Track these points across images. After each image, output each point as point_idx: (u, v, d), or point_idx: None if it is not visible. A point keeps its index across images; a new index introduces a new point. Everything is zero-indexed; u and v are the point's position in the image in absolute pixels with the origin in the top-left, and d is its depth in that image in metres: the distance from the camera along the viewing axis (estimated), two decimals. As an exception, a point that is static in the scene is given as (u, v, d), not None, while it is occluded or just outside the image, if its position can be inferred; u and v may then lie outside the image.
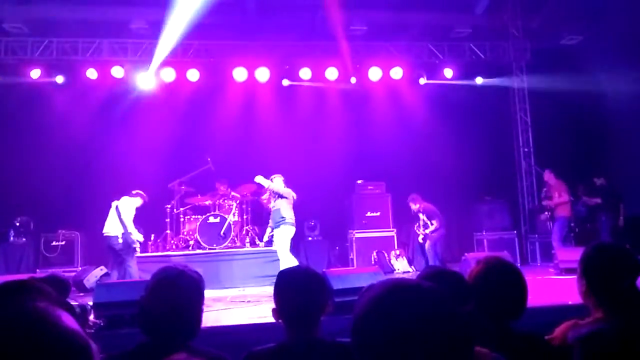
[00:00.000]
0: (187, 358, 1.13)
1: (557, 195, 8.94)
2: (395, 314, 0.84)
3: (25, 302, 0.79)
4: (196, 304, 1.87)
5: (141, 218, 8.12)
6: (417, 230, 8.91)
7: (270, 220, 7.73)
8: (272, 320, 2.00)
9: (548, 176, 9.22)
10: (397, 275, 9.01)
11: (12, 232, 9.38)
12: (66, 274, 8.35)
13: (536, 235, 10.28)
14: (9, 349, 0.72)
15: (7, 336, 0.73)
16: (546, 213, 9.21)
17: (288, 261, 7.04)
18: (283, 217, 7.25)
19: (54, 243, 9.32)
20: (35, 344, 0.73)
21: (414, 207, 8.77)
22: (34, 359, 0.72)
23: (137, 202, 7.72)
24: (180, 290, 1.82)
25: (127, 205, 7.57)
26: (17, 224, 9.42)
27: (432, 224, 8.57)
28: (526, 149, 11.16)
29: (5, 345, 0.72)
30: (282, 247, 7.23)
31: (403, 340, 0.82)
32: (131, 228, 7.47)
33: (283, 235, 7.24)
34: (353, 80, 10.69)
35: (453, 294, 0.92)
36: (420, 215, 8.75)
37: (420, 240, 8.79)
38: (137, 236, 7.53)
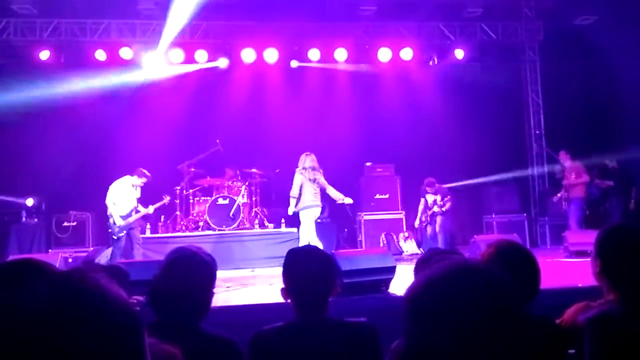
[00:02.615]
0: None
1: (574, 177, 8.78)
2: (455, 296, 0.82)
3: (79, 274, 0.81)
4: (207, 286, 1.89)
5: (151, 199, 8.18)
6: (432, 208, 8.88)
7: None
8: (280, 300, 2.01)
9: (563, 157, 9.09)
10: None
11: (24, 213, 9.49)
12: (78, 254, 8.50)
13: (546, 218, 10.21)
14: (66, 316, 0.74)
15: (63, 306, 0.76)
16: (562, 194, 8.95)
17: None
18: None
19: (65, 224, 9.41)
20: (93, 310, 0.76)
21: (431, 190, 8.83)
22: (92, 326, 0.75)
23: (131, 181, 7.68)
24: (192, 272, 1.84)
25: (114, 187, 7.63)
26: (29, 205, 9.52)
27: (446, 204, 8.64)
28: (537, 131, 11.03)
29: (63, 313, 0.75)
30: (303, 230, 7.32)
31: (457, 324, 0.80)
32: (111, 210, 7.50)
33: (302, 220, 7.31)
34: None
35: None
36: (437, 197, 8.78)
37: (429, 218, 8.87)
38: (117, 220, 7.52)
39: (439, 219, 8.72)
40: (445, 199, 8.65)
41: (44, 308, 0.74)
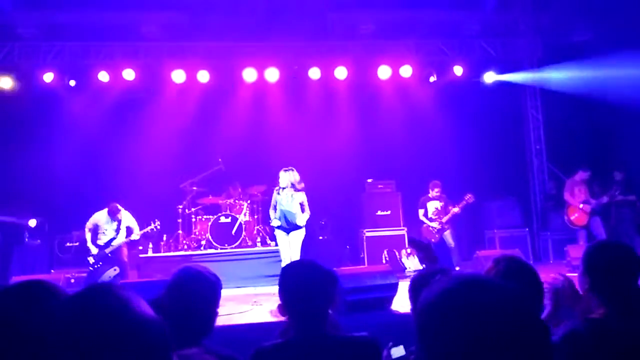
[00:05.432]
0: (199, 353, 1.15)
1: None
2: (468, 310, 0.80)
3: (108, 289, 0.83)
4: (211, 306, 1.91)
5: (154, 218, 8.23)
6: (435, 219, 8.61)
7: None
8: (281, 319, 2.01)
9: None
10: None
11: (26, 234, 9.51)
12: (80, 275, 8.49)
13: (548, 233, 10.19)
14: (97, 331, 0.77)
15: (97, 319, 0.79)
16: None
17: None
18: None
19: (68, 244, 9.43)
20: (121, 326, 0.79)
21: (435, 193, 8.67)
22: (118, 341, 0.78)
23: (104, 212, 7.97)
24: (197, 291, 1.87)
25: (94, 216, 8.00)
26: (32, 226, 9.54)
27: (448, 214, 8.48)
28: (538, 146, 11.08)
29: (94, 327, 0.77)
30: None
31: (472, 339, 0.78)
32: (86, 236, 7.87)
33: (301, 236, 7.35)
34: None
35: None
36: (438, 203, 8.61)
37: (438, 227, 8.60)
38: (91, 247, 7.85)
39: (447, 233, 8.49)
40: (442, 204, 8.45)
41: (77, 326, 0.78)
